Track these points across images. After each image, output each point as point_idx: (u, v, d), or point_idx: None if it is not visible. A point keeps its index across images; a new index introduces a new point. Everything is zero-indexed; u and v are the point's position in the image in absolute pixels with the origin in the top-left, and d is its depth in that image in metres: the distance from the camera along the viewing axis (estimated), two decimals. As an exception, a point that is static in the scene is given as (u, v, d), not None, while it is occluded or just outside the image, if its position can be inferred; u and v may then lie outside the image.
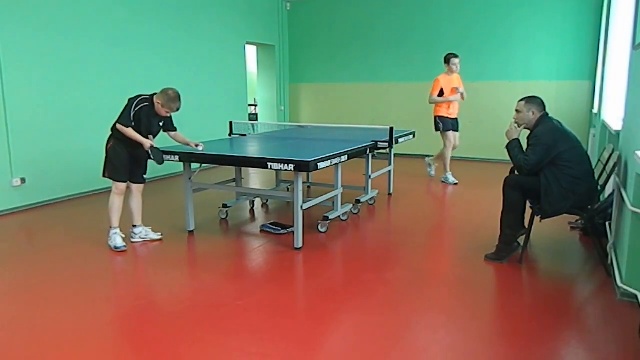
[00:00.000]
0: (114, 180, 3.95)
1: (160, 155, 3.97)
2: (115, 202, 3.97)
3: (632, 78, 3.54)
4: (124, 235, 4.02)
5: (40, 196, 5.42)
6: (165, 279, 3.45)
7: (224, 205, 4.91)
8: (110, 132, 3.96)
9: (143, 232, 4.17)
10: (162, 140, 4.39)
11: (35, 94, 5.27)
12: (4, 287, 3.34)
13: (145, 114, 3.88)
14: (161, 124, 4.08)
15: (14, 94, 5.06)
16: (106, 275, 3.57)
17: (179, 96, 3.91)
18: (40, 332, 2.68)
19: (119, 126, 3.83)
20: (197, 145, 4.17)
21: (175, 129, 4.22)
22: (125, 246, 3.96)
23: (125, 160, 3.93)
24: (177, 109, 3.95)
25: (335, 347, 2.53)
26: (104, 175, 3.99)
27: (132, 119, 3.81)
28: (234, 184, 5.08)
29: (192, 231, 4.42)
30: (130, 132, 3.83)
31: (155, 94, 3.93)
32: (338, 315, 2.88)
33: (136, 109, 3.83)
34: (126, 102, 3.87)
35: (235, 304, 3.00)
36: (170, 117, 4.11)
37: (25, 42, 5.12)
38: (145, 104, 3.87)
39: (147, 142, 3.89)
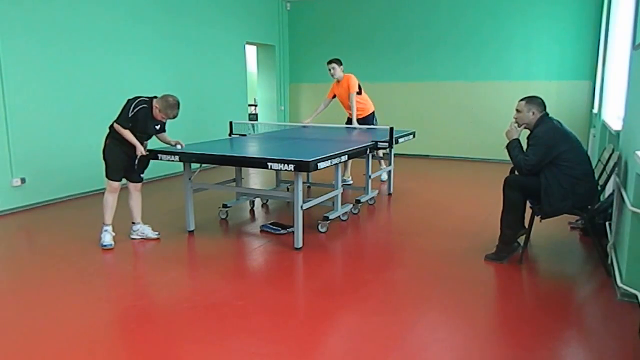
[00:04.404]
0: (108, 179, 3.99)
1: (144, 165, 4.07)
2: (109, 199, 4.00)
3: (632, 78, 3.54)
4: (114, 234, 4.04)
5: (40, 196, 5.41)
6: (165, 279, 3.45)
7: (224, 205, 4.91)
8: (107, 131, 3.98)
9: (140, 230, 4.19)
10: (158, 142, 4.39)
11: (35, 94, 5.27)
12: (4, 287, 3.34)
13: (143, 115, 3.89)
14: (157, 127, 4.08)
15: (14, 94, 5.06)
16: (106, 275, 3.57)
17: (178, 104, 3.94)
18: (40, 332, 2.68)
19: (116, 126, 3.88)
20: (176, 144, 4.18)
21: (165, 131, 4.21)
22: (112, 245, 3.98)
23: (119, 160, 3.97)
24: (174, 117, 3.97)
25: (336, 347, 2.53)
26: (106, 176, 4.03)
27: (129, 120, 3.84)
28: (234, 184, 5.07)
29: (192, 231, 4.42)
30: (127, 134, 3.87)
31: (155, 97, 3.95)
32: (338, 315, 2.88)
33: (134, 110, 3.85)
34: (125, 102, 3.89)
35: (235, 304, 3.01)
36: (165, 121, 4.12)
37: (25, 42, 5.11)
38: (144, 105, 3.89)
39: (139, 149, 3.92)
